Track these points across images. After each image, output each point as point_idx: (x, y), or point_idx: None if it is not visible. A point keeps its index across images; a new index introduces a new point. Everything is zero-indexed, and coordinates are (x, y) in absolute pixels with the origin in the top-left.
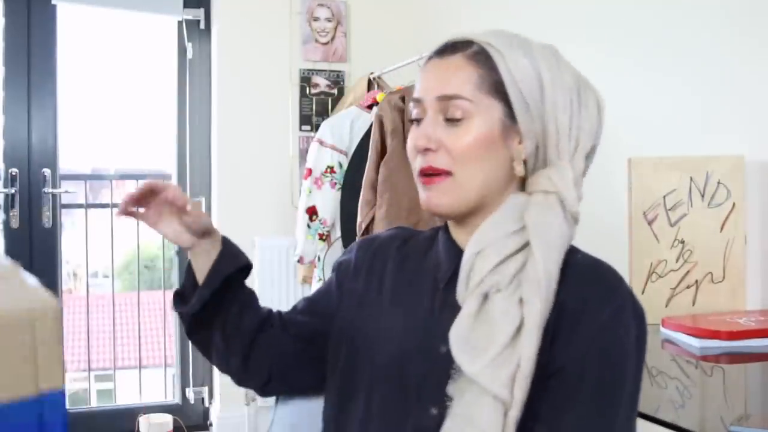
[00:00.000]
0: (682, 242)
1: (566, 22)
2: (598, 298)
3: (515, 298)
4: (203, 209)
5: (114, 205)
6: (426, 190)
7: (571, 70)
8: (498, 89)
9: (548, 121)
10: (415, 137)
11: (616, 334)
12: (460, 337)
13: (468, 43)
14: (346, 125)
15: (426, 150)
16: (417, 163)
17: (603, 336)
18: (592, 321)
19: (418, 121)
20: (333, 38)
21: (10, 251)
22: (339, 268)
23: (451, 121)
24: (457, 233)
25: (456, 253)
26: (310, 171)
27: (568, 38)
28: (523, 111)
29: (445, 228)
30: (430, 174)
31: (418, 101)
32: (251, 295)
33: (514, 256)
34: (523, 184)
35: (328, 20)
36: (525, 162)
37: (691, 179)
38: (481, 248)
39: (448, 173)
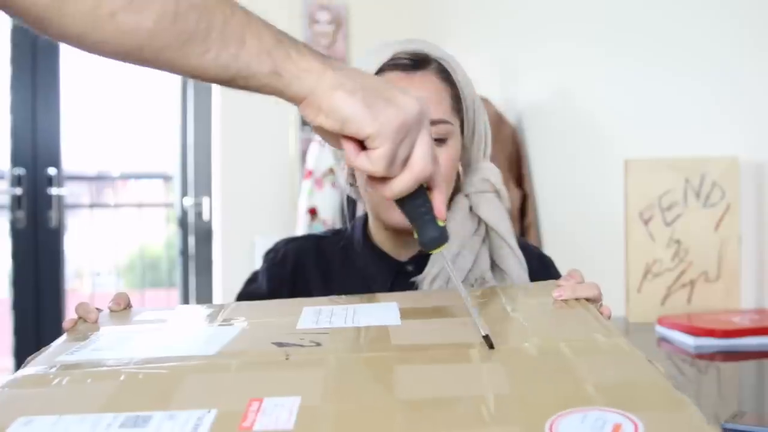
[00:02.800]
0: (678, 242)
1: (563, 23)
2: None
3: None
4: (208, 210)
5: (117, 206)
6: None
7: None
8: (458, 106)
9: (477, 125)
10: None
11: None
12: None
13: (426, 58)
14: None
15: None
16: None
17: None
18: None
19: None
20: (334, 42)
21: (16, 251)
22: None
23: (437, 141)
24: (390, 244)
25: (388, 264)
26: (310, 172)
27: (564, 39)
28: (467, 121)
29: (364, 237)
30: None
31: None
32: None
33: (480, 250)
34: None
35: (329, 24)
36: None
37: (687, 180)
38: (459, 250)
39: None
